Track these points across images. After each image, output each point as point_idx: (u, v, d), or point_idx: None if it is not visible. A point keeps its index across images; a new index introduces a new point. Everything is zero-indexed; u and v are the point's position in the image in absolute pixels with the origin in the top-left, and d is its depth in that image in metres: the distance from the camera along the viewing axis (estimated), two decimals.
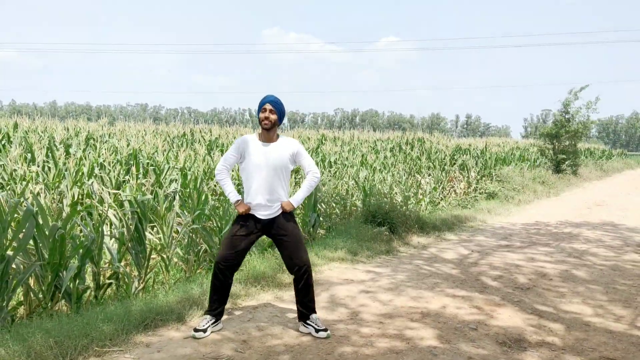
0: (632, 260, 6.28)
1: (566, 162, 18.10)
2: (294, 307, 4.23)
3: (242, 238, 3.61)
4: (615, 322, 4.07)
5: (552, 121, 19.34)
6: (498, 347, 3.53)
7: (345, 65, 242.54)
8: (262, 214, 3.61)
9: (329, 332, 3.61)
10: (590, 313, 4.28)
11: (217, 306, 3.66)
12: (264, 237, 4.30)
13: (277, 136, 3.68)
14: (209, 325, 3.58)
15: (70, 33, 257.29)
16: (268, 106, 3.55)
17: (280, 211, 3.64)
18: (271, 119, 3.55)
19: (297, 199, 3.68)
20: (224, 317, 3.93)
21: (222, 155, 10.22)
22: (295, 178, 8.92)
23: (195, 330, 3.51)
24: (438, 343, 3.57)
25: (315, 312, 3.73)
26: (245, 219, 3.63)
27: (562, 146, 18.32)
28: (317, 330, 3.60)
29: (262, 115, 3.55)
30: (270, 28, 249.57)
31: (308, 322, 3.66)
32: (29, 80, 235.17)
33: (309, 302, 3.69)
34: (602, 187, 17.08)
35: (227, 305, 4.19)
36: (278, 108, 3.57)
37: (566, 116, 18.43)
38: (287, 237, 3.63)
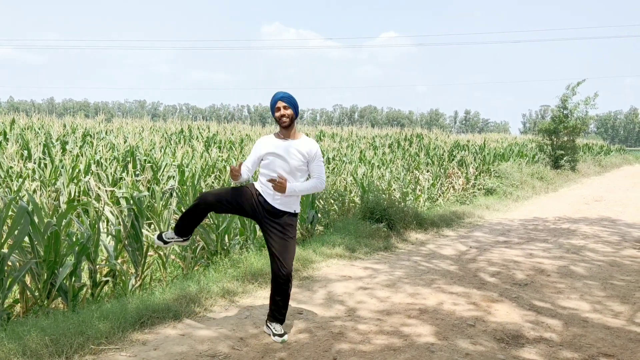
0: (630, 256, 6.28)
1: (564, 158, 18.07)
2: (294, 305, 4.23)
3: (242, 202, 3.47)
4: (613, 318, 4.07)
5: (550, 117, 19.30)
6: (496, 343, 3.52)
7: (345, 61, 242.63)
8: (270, 200, 3.45)
9: (285, 337, 3.48)
10: (588, 309, 4.28)
11: (186, 230, 3.60)
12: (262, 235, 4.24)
13: (299, 134, 3.57)
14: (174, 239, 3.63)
15: (69, 30, 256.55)
16: (281, 103, 3.45)
17: (286, 208, 3.48)
18: (288, 114, 3.46)
19: (294, 186, 3.43)
20: (222, 315, 3.93)
21: (219, 152, 10.22)
22: None
23: (161, 239, 3.63)
24: (435, 339, 3.56)
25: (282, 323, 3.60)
26: (256, 195, 3.49)
27: (560, 142, 18.31)
28: (274, 335, 3.50)
29: (277, 114, 3.45)
30: (269, 24, 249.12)
31: (269, 324, 3.57)
32: (27, 77, 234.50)
33: (282, 312, 3.55)
34: (601, 183, 17.08)
35: (224, 302, 4.19)
36: (291, 102, 3.47)
37: (564, 112, 18.40)
38: (282, 234, 3.44)
